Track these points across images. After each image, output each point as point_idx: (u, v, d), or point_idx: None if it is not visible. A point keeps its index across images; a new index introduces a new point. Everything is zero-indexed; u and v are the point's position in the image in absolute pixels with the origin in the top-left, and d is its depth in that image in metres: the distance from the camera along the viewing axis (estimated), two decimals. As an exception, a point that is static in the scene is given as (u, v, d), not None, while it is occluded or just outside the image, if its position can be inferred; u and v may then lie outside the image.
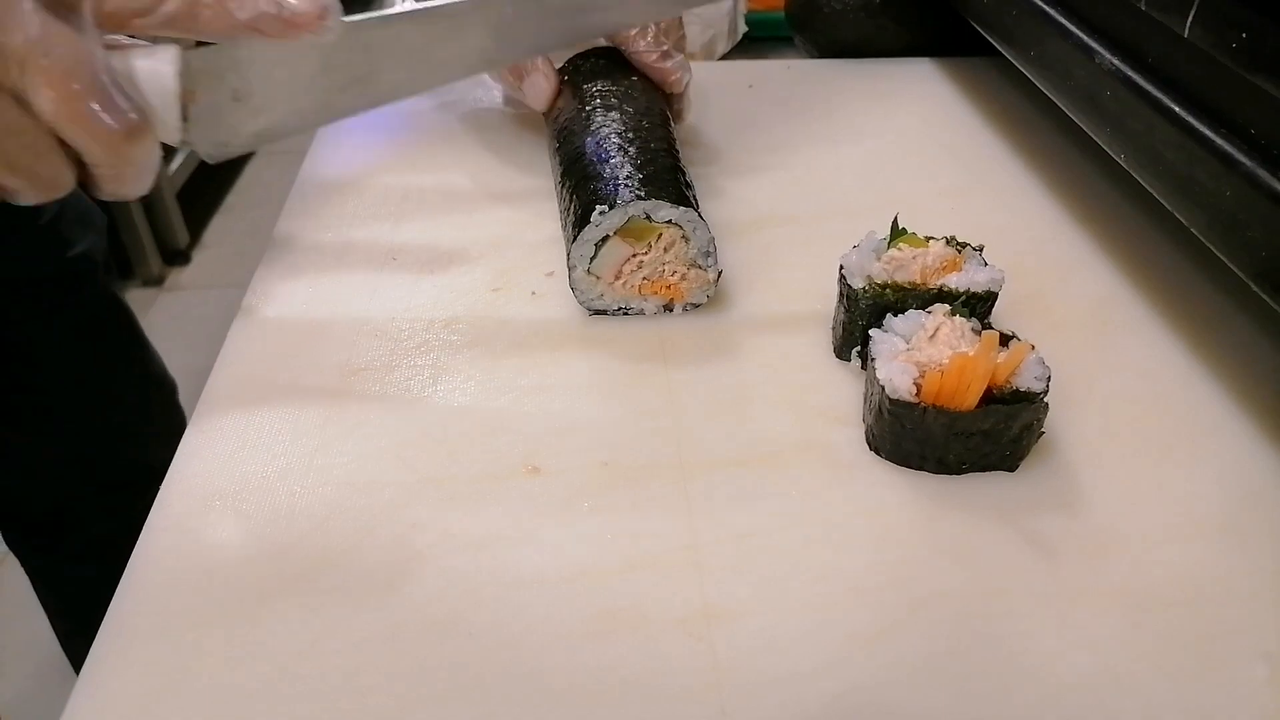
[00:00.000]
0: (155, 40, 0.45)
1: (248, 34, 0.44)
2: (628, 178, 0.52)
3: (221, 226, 2.64)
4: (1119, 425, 0.48)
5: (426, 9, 0.51)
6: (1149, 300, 0.57)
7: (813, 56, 0.89)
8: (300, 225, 0.63)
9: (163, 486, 0.45)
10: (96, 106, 0.40)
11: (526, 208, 0.64)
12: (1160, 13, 0.48)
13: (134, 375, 0.99)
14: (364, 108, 0.52)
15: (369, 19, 0.49)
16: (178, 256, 2.48)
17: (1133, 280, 0.58)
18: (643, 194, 0.51)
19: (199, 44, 0.46)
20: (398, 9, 0.51)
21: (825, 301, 0.54)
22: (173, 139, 0.46)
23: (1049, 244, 0.62)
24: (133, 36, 0.45)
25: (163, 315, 2.32)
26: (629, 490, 0.44)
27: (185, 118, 0.45)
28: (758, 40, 0.96)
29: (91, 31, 0.41)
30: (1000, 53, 0.70)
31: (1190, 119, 0.47)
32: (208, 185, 2.63)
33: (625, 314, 0.54)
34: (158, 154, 0.44)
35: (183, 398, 1.03)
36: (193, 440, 0.47)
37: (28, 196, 0.42)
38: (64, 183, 0.42)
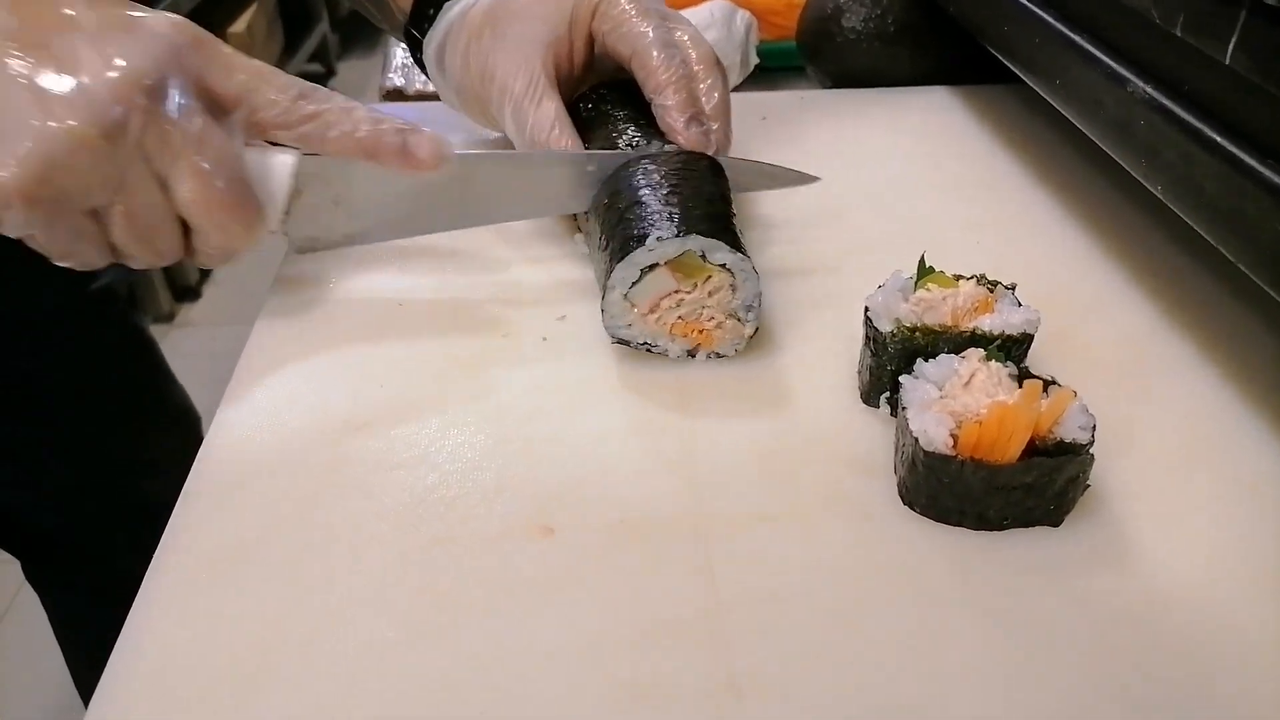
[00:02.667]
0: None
1: (365, 159, 0.50)
2: (685, 212, 0.50)
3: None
4: (1167, 474, 0.46)
5: (520, 155, 0.57)
6: (1189, 338, 0.54)
7: (825, 87, 0.88)
8: (303, 269, 0.61)
9: (155, 555, 0.42)
10: (229, 202, 0.46)
11: (536, 248, 0.62)
12: (1198, 39, 0.46)
13: (155, 407, 0.98)
14: (446, 228, 0.58)
15: (471, 155, 0.55)
16: (188, 293, 2.47)
17: (1170, 317, 0.56)
18: (704, 230, 0.49)
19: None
20: (497, 151, 0.57)
21: (850, 344, 0.52)
22: (271, 228, 0.52)
23: (1080, 279, 0.59)
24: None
25: (173, 352, 2.28)
26: (646, 550, 0.42)
27: (287, 212, 0.51)
28: (769, 70, 0.94)
29: (238, 134, 0.47)
30: (1019, 79, 0.68)
31: (1234, 149, 0.44)
32: (218, 221, 2.63)
33: (648, 350, 0.52)
34: (258, 243, 0.50)
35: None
36: (188, 503, 0.45)
37: (140, 262, 0.48)
38: (175, 255, 0.48)
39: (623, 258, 0.49)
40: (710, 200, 0.52)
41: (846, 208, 0.68)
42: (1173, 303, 0.57)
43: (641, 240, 0.48)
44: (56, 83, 0.42)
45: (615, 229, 0.51)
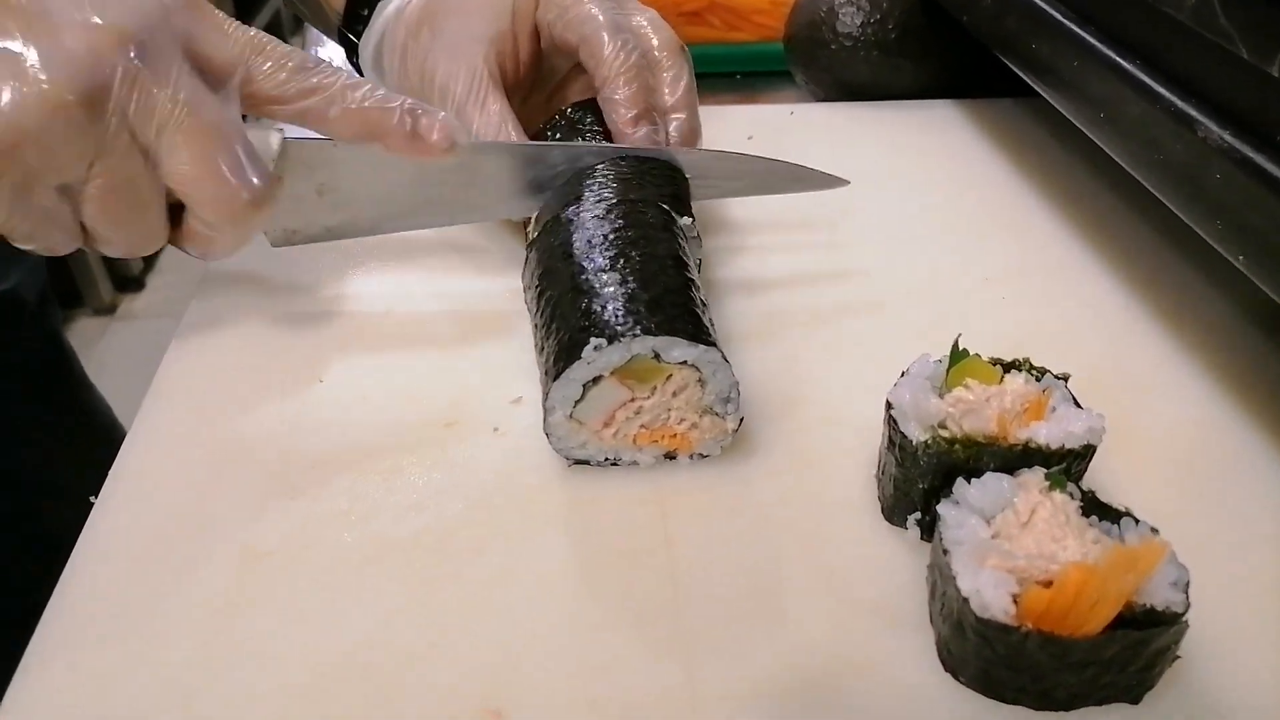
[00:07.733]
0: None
1: (369, 141, 0.46)
2: (629, 299, 0.40)
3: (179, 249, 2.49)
4: (1263, 624, 0.37)
5: (531, 146, 0.51)
6: (1265, 430, 0.45)
7: (817, 99, 0.78)
8: (210, 327, 0.51)
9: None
10: (228, 172, 0.41)
11: (488, 306, 0.52)
12: (1304, 83, 0.37)
13: (72, 425, 0.87)
14: (438, 224, 0.53)
15: (483, 144, 0.50)
16: (130, 283, 2.34)
17: (1240, 401, 0.47)
18: (652, 326, 0.39)
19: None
20: (507, 142, 0.51)
21: (863, 434, 0.43)
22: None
23: (1126, 348, 0.51)
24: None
25: (113, 346, 2.18)
26: (624, 748, 0.33)
27: None
28: (753, 76, 0.85)
29: (234, 104, 0.43)
30: (1035, 91, 0.59)
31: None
32: (161, 207, 2.49)
33: (614, 465, 0.42)
34: (263, 226, 0.45)
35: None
36: (29, 676, 0.35)
37: (117, 249, 0.42)
38: (158, 240, 0.43)
39: (559, 373, 0.39)
40: (664, 267, 0.42)
41: (845, 253, 0.58)
42: (1241, 383, 0.48)
43: (577, 350, 0.39)
44: (27, 41, 0.36)
45: (551, 324, 0.41)
